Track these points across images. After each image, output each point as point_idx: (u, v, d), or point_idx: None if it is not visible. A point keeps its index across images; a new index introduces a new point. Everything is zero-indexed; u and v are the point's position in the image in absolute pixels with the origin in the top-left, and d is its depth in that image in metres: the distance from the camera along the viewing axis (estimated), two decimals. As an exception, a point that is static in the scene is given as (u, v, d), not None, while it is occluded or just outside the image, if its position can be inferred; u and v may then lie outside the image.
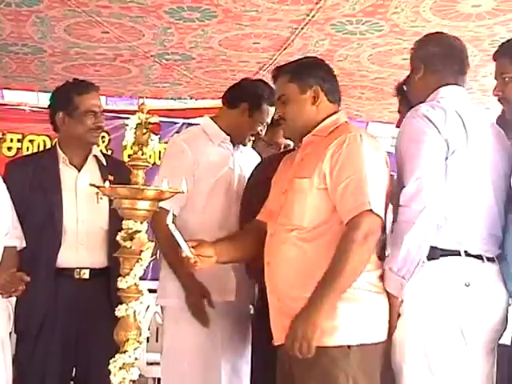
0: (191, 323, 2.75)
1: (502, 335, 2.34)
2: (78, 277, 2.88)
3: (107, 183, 2.08)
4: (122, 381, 2.07)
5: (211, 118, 2.98)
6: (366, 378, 2.15)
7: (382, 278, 2.23)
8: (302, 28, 3.68)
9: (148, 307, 3.83)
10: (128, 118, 2.14)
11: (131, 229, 2.10)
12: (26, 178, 2.92)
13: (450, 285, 2.21)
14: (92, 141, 3.01)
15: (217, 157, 2.89)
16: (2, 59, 4.45)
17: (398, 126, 3.12)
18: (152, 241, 2.17)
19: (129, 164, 2.12)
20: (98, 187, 2.11)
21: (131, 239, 2.10)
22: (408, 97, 2.56)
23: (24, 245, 2.77)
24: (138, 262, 2.10)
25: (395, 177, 2.33)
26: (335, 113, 2.36)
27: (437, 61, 2.41)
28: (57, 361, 2.85)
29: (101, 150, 3.32)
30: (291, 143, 2.87)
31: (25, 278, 2.46)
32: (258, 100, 2.88)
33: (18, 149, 5.44)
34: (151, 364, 4.25)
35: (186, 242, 2.22)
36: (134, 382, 2.11)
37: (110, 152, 5.25)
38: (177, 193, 2.15)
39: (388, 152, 2.42)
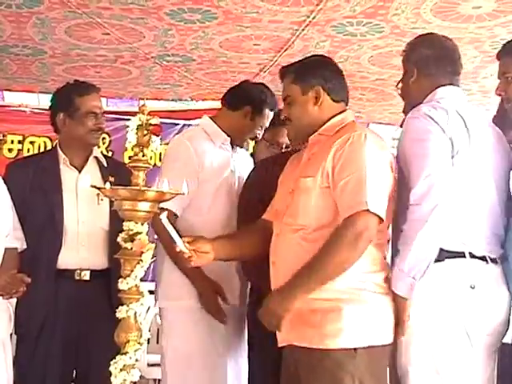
0: (197, 324, 2.76)
1: (503, 337, 2.34)
2: (78, 278, 2.88)
3: (108, 184, 2.08)
4: (123, 382, 2.07)
5: (210, 118, 2.98)
6: (374, 380, 2.14)
7: (388, 279, 2.22)
8: (303, 29, 3.68)
9: (149, 308, 3.83)
10: (129, 120, 2.14)
11: (132, 230, 2.10)
12: (26, 179, 2.92)
13: (455, 287, 2.21)
14: (93, 142, 3.01)
15: (220, 158, 2.90)
16: (3, 61, 4.45)
17: (402, 126, 3.13)
18: (152, 242, 2.18)
19: (129, 165, 2.12)
20: (98, 188, 2.11)
21: (132, 240, 2.10)
22: (403, 99, 2.55)
23: (25, 246, 2.77)
24: (138, 263, 2.10)
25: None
26: (342, 112, 2.34)
27: (430, 64, 2.40)
28: (57, 362, 2.85)
29: (101, 152, 3.32)
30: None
31: (25, 279, 2.46)
32: (261, 104, 2.91)
33: (18, 150, 5.45)
34: (152, 365, 4.24)
35: (180, 237, 2.23)
36: (134, 383, 2.11)
37: (110, 153, 5.26)
38: (177, 194, 2.15)
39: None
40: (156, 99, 5.56)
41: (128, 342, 2.09)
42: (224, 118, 2.94)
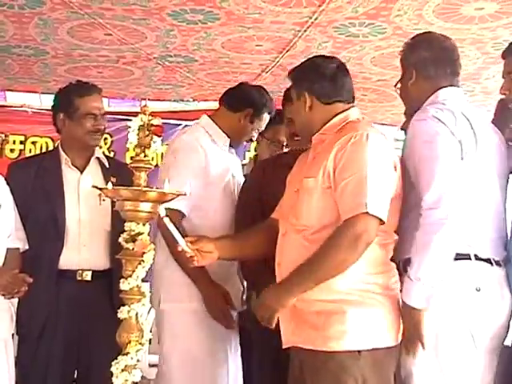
0: (202, 325, 2.75)
1: (504, 340, 2.34)
2: (80, 278, 2.89)
3: (110, 185, 2.08)
4: (124, 383, 2.07)
5: (210, 117, 2.97)
6: (378, 383, 2.13)
7: (393, 279, 2.21)
8: (305, 30, 3.67)
9: (150, 309, 3.83)
10: (130, 120, 2.15)
11: (133, 231, 2.10)
12: (28, 180, 2.93)
13: (461, 290, 2.19)
14: (92, 143, 3.00)
15: (223, 160, 2.91)
16: (5, 61, 4.45)
17: (402, 128, 3.12)
18: (153, 242, 2.18)
19: (131, 166, 2.12)
20: (100, 189, 2.11)
21: (133, 241, 2.10)
22: (402, 100, 2.53)
23: (27, 247, 2.78)
24: (140, 263, 2.10)
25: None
26: (345, 110, 2.33)
27: (429, 66, 2.39)
28: (59, 362, 2.85)
29: (103, 152, 3.32)
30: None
31: (27, 279, 2.47)
32: (262, 108, 2.93)
33: (20, 150, 5.45)
34: (153, 366, 4.24)
35: (182, 236, 2.23)
36: (136, 383, 2.11)
37: (112, 154, 5.26)
38: (179, 195, 2.16)
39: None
40: (158, 100, 5.56)
41: (129, 342, 2.09)
42: (224, 119, 2.94)
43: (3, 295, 2.51)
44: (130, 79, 4.93)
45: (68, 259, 2.87)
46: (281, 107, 2.95)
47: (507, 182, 2.44)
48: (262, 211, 2.77)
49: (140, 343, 2.11)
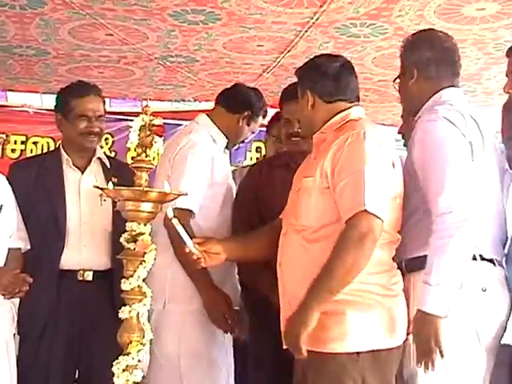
0: (206, 325, 2.75)
1: (500, 340, 2.34)
2: (81, 278, 2.89)
3: (111, 185, 2.08)
4: (125, 383, 2.08)
5: (208, 117, 2.96)
6: None
7: (395, 280, 2.20)
8: (306, 31, 3.67)
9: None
10: (132, 120, 2.15)
11: (135, 231, 2.10)
12: (29, 180, 2.93)
13: (467, 290, 2.17)
14: (87, 145, 2.99)
15: (224, 161, 2.94)
16: (7, 61, 4.44)
17: (400, 132, 3.12)
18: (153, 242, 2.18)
19: (132, 166, 2.12)
20: (101, 189, 2.12)
21: (135, 241, 2.10)
22: (400, 98, 2.52)
23: (28, 247, 2.78)
24: (141, 264, 2.10)
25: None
26: (346, 109, 2.31)
27: (431, 66, 2.38)
28: (60, 362, 2.85)
29: (104, 152, 3.32)
30: None
31: (28, 279, 2.47)
32: (259, 110, 2.98)
33: (21, 150, 5.44)
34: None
35: (190, 237, 2.23)
36: (137, 383, 2.11)
37: (113, 154, 5.25)
38: (180, 195, 2.16)
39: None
40: (159, 100, 5.55)
41: (131, 342, 2.09)
42: (223, 120, 2.94)
43: (4, 295, 2.51)
44: (131, 79, 4.93)
45: (69, 259, 2.88)
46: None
47: (504, 181, 2.44)
48: (258, 211, 2.78)
49: (141, 343, 2.11)
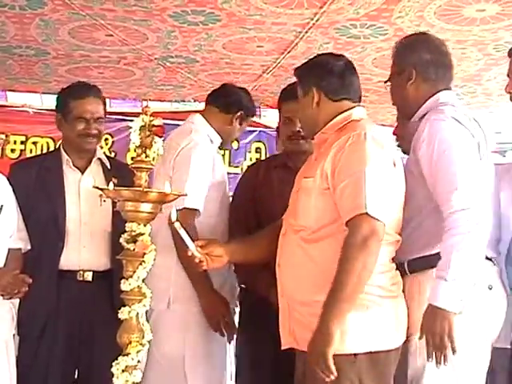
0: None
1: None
2: (80, 279, 2.89)
3: (111, 185, 2.08)
4: (125, 383, 2.07)
5: (203, 117, 2.97)
6: None
7: (394, 280, 2.19)
8: (306, 32, 3.67)
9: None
10: (131, 121, 2.15)
11: (134, 231, 2.10)
12: (29, 180, 2.93)
13: (476, 288, 2.17)
14: (85, 146, 2.99)
15: (220, 161, 2.97)
16: (6, 61, 4.44)
17: (394, 133, 3.12)
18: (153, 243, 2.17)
19: (132, 166, 2.12)
20: (101, 189, 2.12)
21: (134, 241, 2.10)
22: (394, 99, 2.51)
23: (29, 247, 2.78)
24: (141, 264, 2.10)
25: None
26: (347, 110, 2.30)
27: (430, 69, 2.38)
28: (59, 362, 2.85)
29: (104, 153, 3.32)
30: None
31: (27, 279, 2.46)
32: (250, 110, 3.02)
33: (21, 150, 5.43)
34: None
35: (192, 240, 2.23)
36: (136, 384, 2.11)
37: (113, 154, 5.25)
38: (180, 195, 2.16)
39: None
40: (159, 100, 5.56)
41: (130, 343, 2.09)
42: (217, 120, 2.95)
43: (3, 296, 2.51)
44: (131, 80, 4.93)
45: (68, 260, 2.88)
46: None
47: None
48: (255, 212, 2.79)
49: (141, 344, 2.11)
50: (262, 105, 5.56)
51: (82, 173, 3.00)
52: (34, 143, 5.46)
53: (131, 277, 2.09)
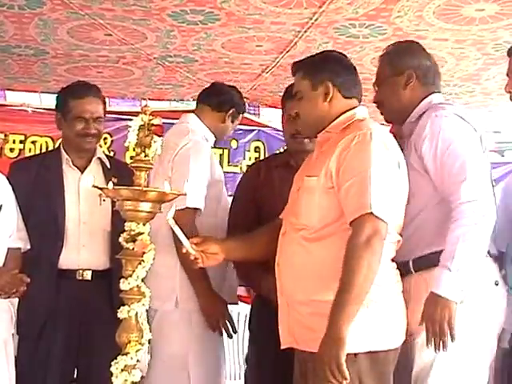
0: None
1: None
2: (80, 278, 2.89)
3: (110, 184, 2.08)
4: (124, 383, 2.08)
5: (197, 116, 2.98)
6: None
7: (394, 280, 2.19)
8: (305, 31, 3.67)
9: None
10: (131, 120, 2.15)
11: (134, 230, 2.10)
12: (29, 179, 2.93)
13: (483, 284, 2.21)
14: (83, 146, 2.99)
15: (216, 161, 2.98)
16: (5, 61, 4.44)
17: (391, 132, 3.13)
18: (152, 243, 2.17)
19: (131, 166, 2.12)
20: (100, 189, 2.12)
21: (133, 241, 2.10)
22: (384, 101, 2.51)
23: (28, 246, 2.78)
24: (140, 263, 2.10)
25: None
26: (352, 108, 2.29)
27: (430, 74, 2.44)
28: (58, 362, 2.86)
29: (104, 152, 3.32)
30: None
31: (25, 279, 2.46)
32: (242, 107, 3.05)
33: (20, 150, 5.43)
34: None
35: (187, 238, 2.23)
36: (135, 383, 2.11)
37: (112, 153, 5.25)
38: (179, 195, 2.16)
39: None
40: (158, 99, 5.55)
41: (129, 342, 2.09)
42: (210, 119, 2.97)
43: (0, 295, 2.51)
44: (130, 79, 4.93)
45: (68, 259, 2.88)
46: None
47: None
48: (256, 211, 2.79)
49: (140, 343, 2.11)
50: (261, 104, 5.56)
51: (82, 172, 3.00)
52: (33, 142, 5.46)
53: (130, 276, 2.09)
